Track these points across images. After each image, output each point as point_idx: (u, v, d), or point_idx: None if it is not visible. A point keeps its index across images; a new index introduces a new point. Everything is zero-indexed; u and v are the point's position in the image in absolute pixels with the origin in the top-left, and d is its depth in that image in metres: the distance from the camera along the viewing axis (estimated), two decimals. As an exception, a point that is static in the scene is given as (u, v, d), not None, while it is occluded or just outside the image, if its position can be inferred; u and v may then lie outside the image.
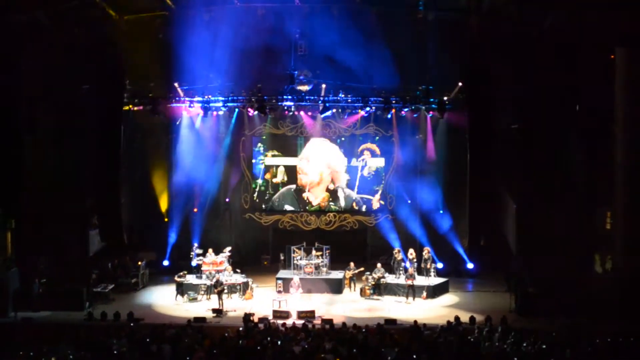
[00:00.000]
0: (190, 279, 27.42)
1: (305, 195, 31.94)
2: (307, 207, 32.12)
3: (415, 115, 30.08)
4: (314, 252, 28.20)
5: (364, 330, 20.37)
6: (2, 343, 19.78)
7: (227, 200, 32.16)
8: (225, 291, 26.09)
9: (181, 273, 27.07)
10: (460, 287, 28.35)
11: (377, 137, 31.44)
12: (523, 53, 25.93)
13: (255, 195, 32.07)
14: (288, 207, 32.20)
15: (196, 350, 17.67)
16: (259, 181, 32.05)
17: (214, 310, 24.56)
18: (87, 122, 26.55)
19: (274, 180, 32.05)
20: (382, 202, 31.70)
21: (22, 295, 25.00)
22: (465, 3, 27.17)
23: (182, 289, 26.61)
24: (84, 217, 26.52)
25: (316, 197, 32.00)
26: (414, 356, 17.25)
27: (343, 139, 31.58)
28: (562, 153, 25.97)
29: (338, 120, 31.10)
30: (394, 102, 28.94)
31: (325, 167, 31.74)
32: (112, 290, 26.91)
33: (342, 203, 31.95)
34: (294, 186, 32.01)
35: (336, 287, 27.61)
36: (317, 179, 31.82)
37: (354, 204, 31.87)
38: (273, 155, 31.95)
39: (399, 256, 28.00)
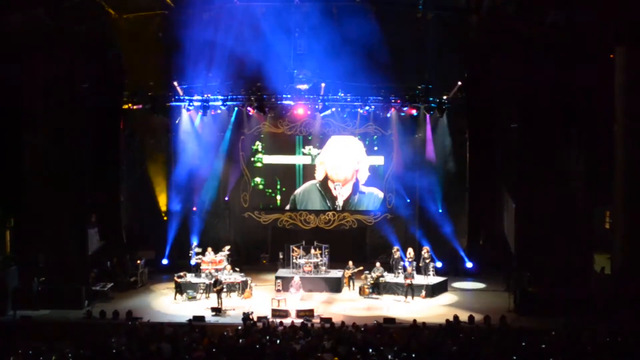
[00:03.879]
0: (189, 278, 27.46)
1: (335, 193, 31.82)
2: (335, 207, 31.98)
3: (414, 114, 30.05)
4: (313, 251, 28.23)
5: (362, 329, 20.42)
6: (1, 341, 19.79)
7: (226, 199, 32.16)
8: (225, 290, 26.11)
9: (181, 273, 27.09)
10: (459, 286, 28.37)
11: (376, 136, 31.44)
12: (523, 52, 25.91)
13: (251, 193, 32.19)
14: (314, 205, 32.09)
15: (195, 349, 17.70)
16: (257, 179, 32.05)
17: (213, 309, 24.59)
18: (86, 120, 26.50)
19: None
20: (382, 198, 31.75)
21: (21, 293, 25.02)
22: (465, 2, 27.16)
23: (181, 288, 26.64)
24: (83, 215, 26.47)
25: (344, 194, 31.95)
26: (413, 355, 17.27)
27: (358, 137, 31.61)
28: (561, 152, 25.95)
29: (337, 119, 31.09)
30: (393, 101, 28.92)
31: (355, 162, 31.69)
32: (111, 289, 26.95)
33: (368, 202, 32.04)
34: (316, 181, 31.93)
35: (335, 286, 27.64)
36: (350, 174, 31.71)
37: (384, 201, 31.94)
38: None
39: (398, 255, 28.03)
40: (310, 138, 31.63)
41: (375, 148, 31.53)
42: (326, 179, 31.82)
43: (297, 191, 32.00)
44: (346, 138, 31.57)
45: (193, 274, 27.96)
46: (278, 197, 32.16)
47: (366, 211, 31.91)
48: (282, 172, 32.04)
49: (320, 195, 31.89)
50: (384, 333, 19.83)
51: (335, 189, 31.76)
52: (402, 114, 30.06)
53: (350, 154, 31.58)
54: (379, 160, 31.63)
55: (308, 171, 31.91)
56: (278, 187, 32.11)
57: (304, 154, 31.80)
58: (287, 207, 32.13)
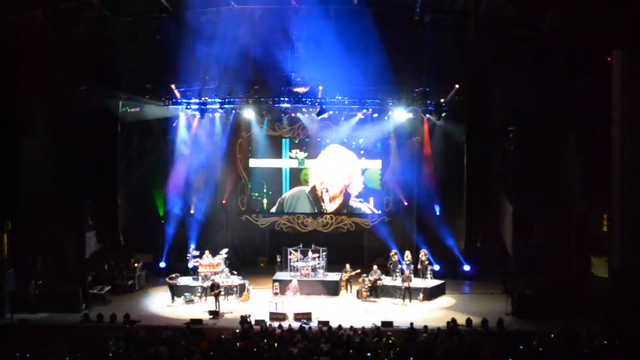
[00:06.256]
0: (187, 280, 27.47)
1: (323, 204, 32.05)
2: (322, 211, 32.18)
3: (412, 117, 30.08)
4: (310, 254, 28.20)
5: (360, 332, 20.41)
6: (-2, 345, 19.78)
7: (223, 202, 32.18)
8: (222, 293, 26.09)
9: (173, 275, 27.05)
10: (456, 289, 28.38)
11: (374, 140, 31.47)
12: (520, 55, 25.93)
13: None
14: (302, 210, 32.22)
15: (192, 352, 17.68)
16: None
17: (210, 312, 24.57)
18: (83, 123, 26.49)
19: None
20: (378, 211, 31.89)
21: (18, 296, 24.96)
22: (463, 5, 27.14)
23: (176, 291, 26.62)
24: (80, 218, 26.46)
25: (332, 207, 32.07)
26: (411, 358, 17.26)
27: (345, 140, 31.65)
28: (558, 155, 25.97)
29: (335, 122, 31.11)
30: (391, 103, 28.95)
31: (346, 178, 31.82)
32: (108, 292, 26.93)
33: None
34: (306, 188, 31.99)
35: (333, 289, 27.61)
36: (339, 191, 31.89)
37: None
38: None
39: (396, 258, 28.07)
40: (297, 141, 31.75)
41: (363, 152, 31.65)
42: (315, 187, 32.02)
43: (285, 195, 32.17)
44: (340, 150, 31.77)
45: (191, 277, 27.96)
46: (265, 201, 32.26)
47: (364, 214, 31.96)
48: (268, 175, 32.23)
49: (309, 202, 31.98)
50: (382, 336, 19.82)
51: (323, 200, 31.95)
52: (400, 116, 30.06)
53: (341, 170, 31.90)
54: (376, 163, 31.67)
55: (294, 175, 32.03)
56: (265, 190, 32.18)
57: (290, 157, 31.88)
58: (274, 210, 32.22)
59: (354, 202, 32.05)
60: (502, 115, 27.78)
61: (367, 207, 32.04)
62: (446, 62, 27.85)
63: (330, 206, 32.07)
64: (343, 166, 31.91)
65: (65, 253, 26.25)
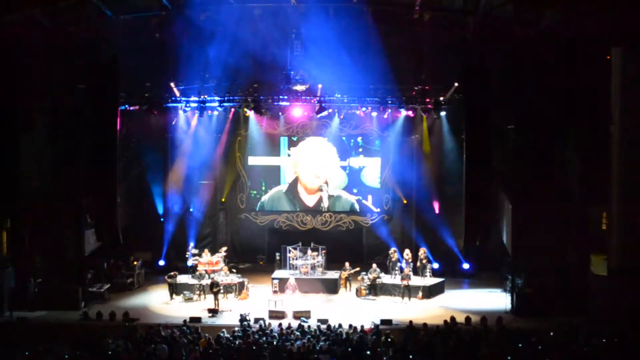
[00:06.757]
0: (186, 279, 27.48)
1: (302, 197, 31.98)
2: (302, 208, 32.18)
3: (411, 116, 30.07)
4: (309, 252, 28.23)
5: (359, 330, 20.41)
6: (-3, 343, 19.80)
7: (223, 200, 32.17)
8: (221, 291, 26.09)
9: (172, 273, 27.10)
10: (456, 287, 28.40)
11: (373, 137, 31.47)
12: (519, 53, 25.92)
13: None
14: (282, 209, 32.22)
15: (192, 350, 17.72)
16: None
17: (209, 310, 24.59)
18: (82, 121, 26.48)
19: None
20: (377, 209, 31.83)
21: (17, 294, 24.99)
22: (462, 3, 27.12)
23: (175, 289, 26.64)
24: (79, 216, 26.46)
25: (313, 198, 32.04)
26: (410, 356, 17.28)
27: (343, 138, 31.65)
28: (558, 153, 25.98)
29: (334, 120, 31.10)
30: (390, 101, 28.93)
31: (325, 168, 31.79)
32: (107, 290, 26.95)
33: (339, 206, 32.06)
34: (284, 187, 31.99)
35: (332, 287, 27.63)
36: (319, 181, 31.84)
37: (354, 205, 31.95)
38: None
39: (395, 256, 28.08)
40: (295, 139, 31.77)
41: (362, 150, 31.66)
42: (296, 182, 31.97)
43: (265, 197, 32.17)
44: (320, 142, 31.75)
45: (190, 275, 27.97)
46: (262, 199, 32.30)
47: (363, 212, 31.95)
48: (266, 173, 32.30)
49: (288, 200, 31.99)
50: (381, 334, 19.85)
51: (301, 194, 32.03)
52: (399, 115, 30.08)
53: (322, 162, 31.82)
54: (375, 161, 31.66)
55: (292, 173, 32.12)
56: (263, 188, 32.20)
57: (288, 155, 31.90)
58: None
59: (333, 192, 31.95)
60: (501, 114, 27.76)
61: (347, 197, 31.94)
62: (445, 60, 27.86)
63: (311, 201, 32.06)
64: (322, 158, 31.84)
65: (64, 251, 26.27)
